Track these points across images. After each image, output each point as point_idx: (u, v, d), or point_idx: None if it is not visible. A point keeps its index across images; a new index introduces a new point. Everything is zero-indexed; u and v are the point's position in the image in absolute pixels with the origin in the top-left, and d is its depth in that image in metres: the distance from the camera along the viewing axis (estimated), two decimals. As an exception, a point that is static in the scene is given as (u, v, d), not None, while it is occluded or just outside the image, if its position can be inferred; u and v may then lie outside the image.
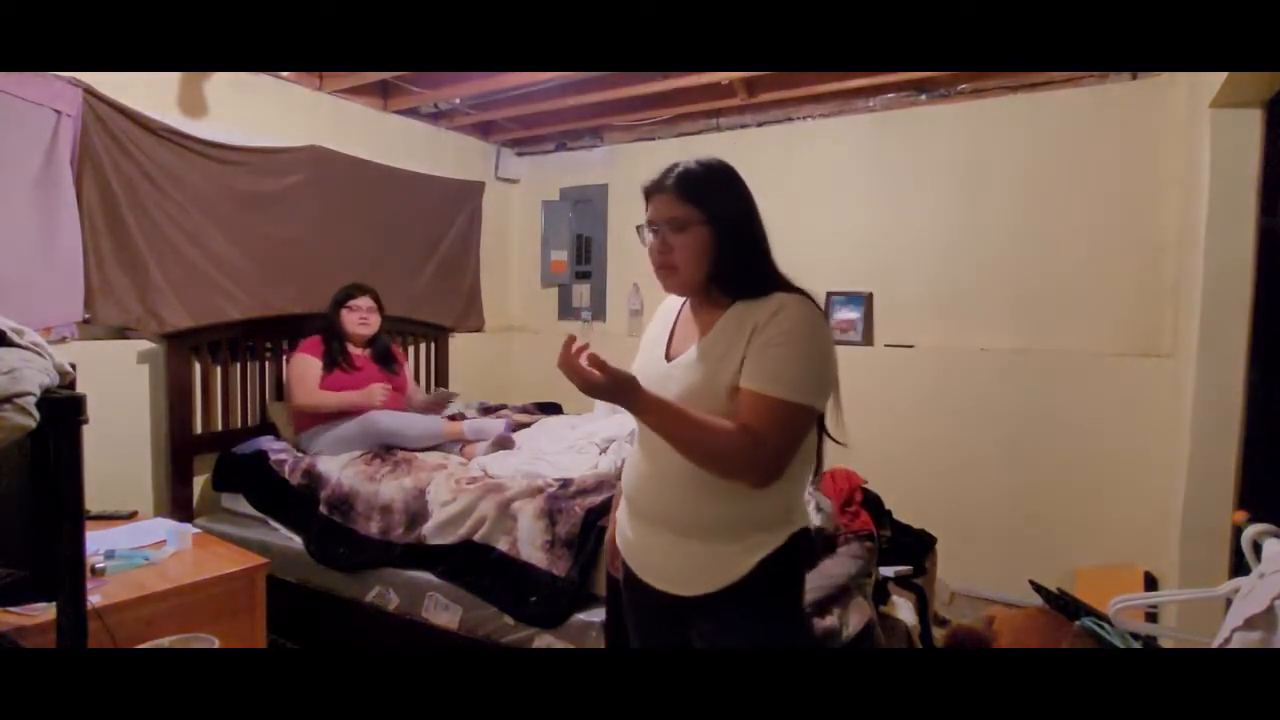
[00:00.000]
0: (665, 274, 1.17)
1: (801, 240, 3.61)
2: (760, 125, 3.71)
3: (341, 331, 2.83)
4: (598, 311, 4.32)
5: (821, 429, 1.20)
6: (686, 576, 1.17)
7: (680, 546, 1.16)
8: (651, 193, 1.18)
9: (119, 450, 2.58)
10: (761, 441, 1.04)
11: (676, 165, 1.16)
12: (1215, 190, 2.16)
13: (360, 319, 2.84)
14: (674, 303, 1.30)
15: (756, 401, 1.06)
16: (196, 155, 2.77)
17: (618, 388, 1.04)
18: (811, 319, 1.10)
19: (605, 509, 2.00)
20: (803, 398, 1.06)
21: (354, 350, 2.86)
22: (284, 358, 3.10)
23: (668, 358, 1.21)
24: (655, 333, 1.29)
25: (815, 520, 2.05)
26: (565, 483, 2.21)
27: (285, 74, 3.14)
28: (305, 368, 2.74)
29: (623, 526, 1.29)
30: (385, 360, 2.92)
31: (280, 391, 3.07)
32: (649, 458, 1.19)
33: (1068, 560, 2.89)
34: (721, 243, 1.13)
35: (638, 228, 1.22)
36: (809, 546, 1.22)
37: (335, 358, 2.77)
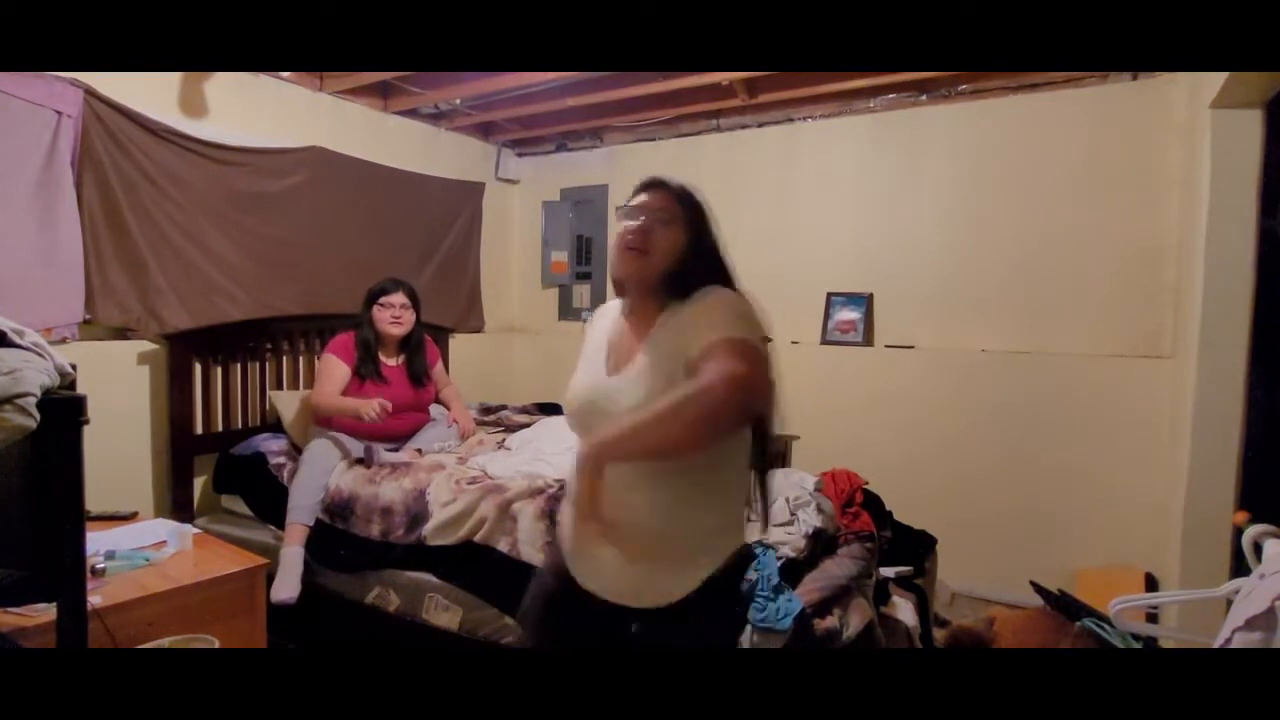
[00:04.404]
0: (635, 255, 1.22)
1: (802, 241, 3.61)
2: (760, 126, 3.71)
3: (373, 330, 2.69)
4: (598, 312, 4.32)
5: (762, 448, 1.23)
6: (634, 589, 1.17)
7: (629, 559, 1.16)
8: (651, 186, 1.26)
9: (119, 450, 2.58)
10: (731, 371, 1.00)
11: (674, 179, 1.27)
12: (1215, 190, 2.16)
13: (393, 317, 2.67)
14: (604, 321, 1.35)
15: (712, 348, 1.05)
16: (197, 156, 2.77)
17: (589, 463, 1.02)
18: (733, 295, 1.18)
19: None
20: (749, 334, 1.08)
21: (385, 360, 2.72)
22: (284, 359, 3.11)
23: (610, 373, 1.24)
24: (593, 347, 1.31)
25: (816, 521, 2.05)
26: (565, 483, 2.21)
27: (285, 74, 3.15)
28: (331, 369, 2.61)
29: (568, 532, 1.27)
30: (416, 372, 2.77)
31: (282, 383, 3.08)
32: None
33: (1068, 561, 2.89)
34: (689, 247, 1.22)
35: (618, 208, 1.28)
36: (746, 565, 1.27)
37: (365, 366, 2.64)
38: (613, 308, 1.36)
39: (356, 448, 2.57)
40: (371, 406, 2.39)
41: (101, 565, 1.84)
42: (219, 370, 2.86)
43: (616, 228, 1.27)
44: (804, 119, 3.62)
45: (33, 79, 2.27)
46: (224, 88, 2.90)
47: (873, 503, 2.44)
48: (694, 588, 1.14)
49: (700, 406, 0.99)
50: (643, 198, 1.25)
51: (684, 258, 1.21)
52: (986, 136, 3.17)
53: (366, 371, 2.64)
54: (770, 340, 1.14)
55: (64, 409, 1.13)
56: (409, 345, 2.80)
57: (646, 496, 1.13)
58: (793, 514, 2.04)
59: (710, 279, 1.21)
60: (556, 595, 1.28)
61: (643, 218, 1.22)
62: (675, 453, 1.07)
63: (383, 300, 2.69)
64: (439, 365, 3.01)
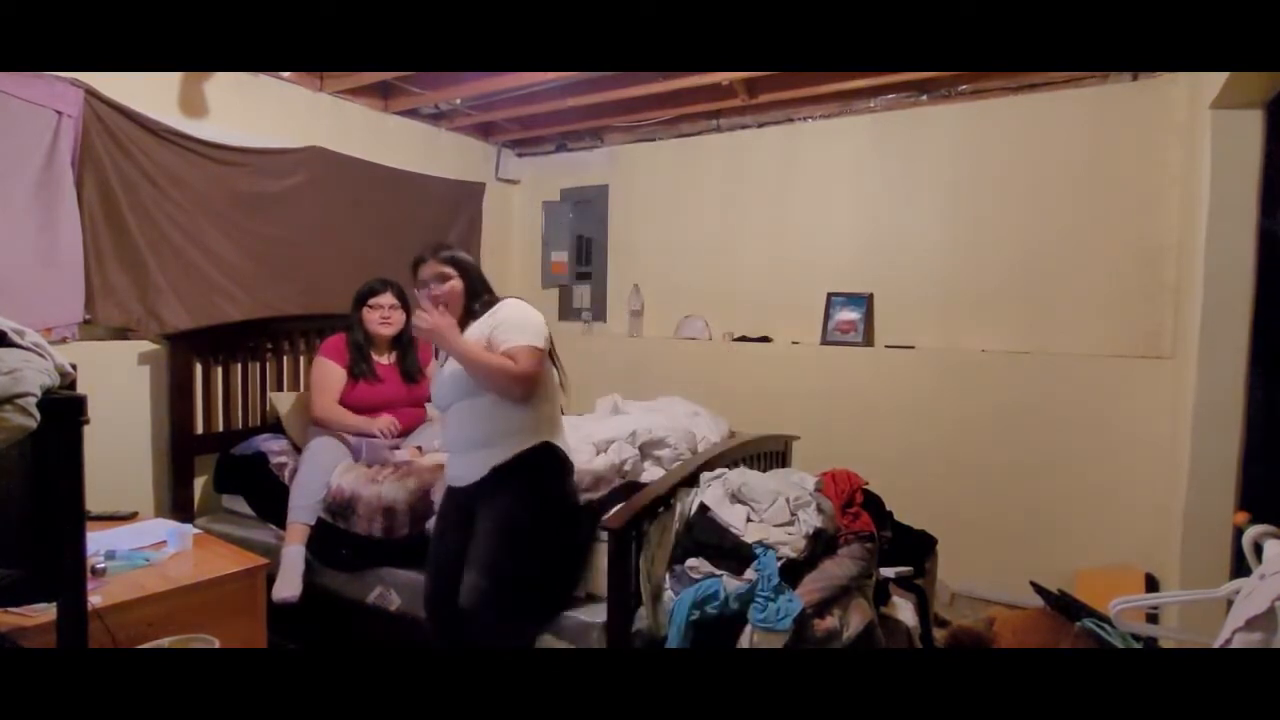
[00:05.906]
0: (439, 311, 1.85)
1: (802, 241, 3.62)
2: (760, 126, 3.72)
3: (364, 331, 2.69)
4: (598, 312, 4.32)
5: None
6: (471, 471, 1.84)
7: (470, 454, 1.85)
8: (422, 262, 1.93)
9: (119, 450, 2.58)
10: (524, 371, 1.77)
11: (438, 245, 1.97)
12: (1215, 191, 2.16)
13: (382, 318, 2.67)
14: None
15: (518, 350, 1.78)
16: (197, 156, 2.77)
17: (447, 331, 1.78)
18: (515, 304, 1.88)
19: (603, 507, 2.01)
20: (529, 341, 1.80)
21: (378, 359, 2.72)
22: (284, 359, 3.10)
23: (444, 364, 1.95)
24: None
25: (816, 521, 2.05)
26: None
27: (286, 74, 3.15)
28: (327, 376, 2.62)
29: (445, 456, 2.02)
30: (409, 369, 2.78)
31: (282, 383, 3.07)
32: (455, 410, 1.88)
33: (1068, 561, 2.89)
34: (466, 288, 1.91)
35: (415, 290, 1.95)
36: (557, 456, 1.88)
37: (358, 366, 2.65)
38: None
39: (357, 445, 2.58)
40: (382, 426, 2.56)
41: (101, 565, 1.84)
42: (219, 370, 2.85)
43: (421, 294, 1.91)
44: (804, 119, 3.62)
45: (33, 79, 2.27)
46: (224, 88, 2.91)
47: (873, 503, 2.43)
48: (504, 460, 1.80)
49: (502, 379, 1.76)
50: (421, 272, 1.91)
51: (466, 296, 1.89)
52: (986, 136, 3.17)
53: (360, 371, 2.65)
54: (548, 334, 1.86)
55: (64, 409, 1.13)
56: (400, 343, 2.80)
57: (471, 414, 1.83)
58: (793, 514, 2.03)
59: (492, 298, 1.92)
60: (445, 497, 2.00)
61: (429, 285, 1.88)
62: (486, 380, 1.79)
63: (372, 301, 2.69)
64: (432, 364, 3.01)
